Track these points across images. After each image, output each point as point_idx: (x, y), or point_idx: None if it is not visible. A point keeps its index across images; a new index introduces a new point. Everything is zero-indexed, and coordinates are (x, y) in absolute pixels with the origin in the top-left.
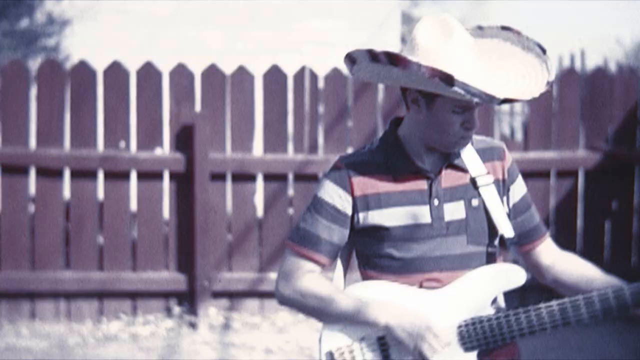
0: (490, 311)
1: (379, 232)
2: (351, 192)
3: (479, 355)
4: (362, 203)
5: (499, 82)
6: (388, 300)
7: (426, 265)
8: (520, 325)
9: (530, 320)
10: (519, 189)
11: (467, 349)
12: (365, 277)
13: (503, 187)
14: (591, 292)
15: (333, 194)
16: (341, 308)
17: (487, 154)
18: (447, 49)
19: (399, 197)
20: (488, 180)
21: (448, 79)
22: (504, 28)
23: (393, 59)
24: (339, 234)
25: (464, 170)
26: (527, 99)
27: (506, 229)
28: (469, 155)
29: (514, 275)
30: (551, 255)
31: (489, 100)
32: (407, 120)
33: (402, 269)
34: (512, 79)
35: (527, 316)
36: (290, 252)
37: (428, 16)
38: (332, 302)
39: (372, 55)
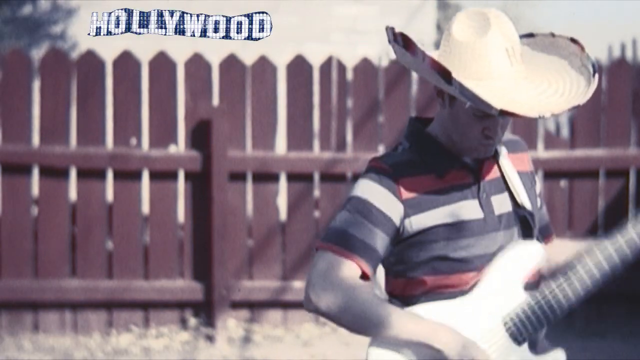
0: (524, 296)
1: (431, 234)
2: (400, 196)
3: (529, 345)
4: (411, 206)
5: (529, 92)
6: (440, 322)
7: (484, 263)
8: (558, 299)
9: (565, 291)
10: (538, 183)
11: (519, 342)
12: (405, 286)
13: (532, 179)
14: (604, 242)
15: (380, 197)
16: (398, 323)
17: (511, 146)
18: (479, 45)
19: (447, 195)
20: (521, 170)
21: (446, 75)
22: (557, 35)
23: (406, 42)
24: (382, 243)
25: (499, 163)
26: (534, 116)
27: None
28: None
29: (533, 251)
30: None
31: (486, 108)
32: (437, 117)
33: (457, 269)
34: (547, 91)
35: (561, 289)
36: (329, 253)
37: (471, 8)
38: (389, 314)
39: (393, 35)
